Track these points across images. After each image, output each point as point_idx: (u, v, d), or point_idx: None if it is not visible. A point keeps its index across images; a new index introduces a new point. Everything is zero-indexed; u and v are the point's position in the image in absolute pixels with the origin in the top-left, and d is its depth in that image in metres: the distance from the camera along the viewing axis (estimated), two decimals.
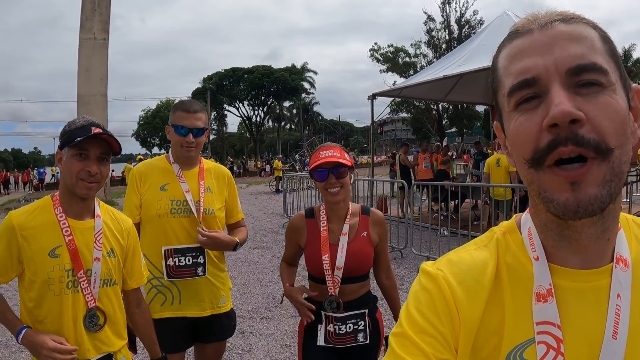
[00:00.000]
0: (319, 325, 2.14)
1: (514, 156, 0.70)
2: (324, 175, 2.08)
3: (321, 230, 2.17)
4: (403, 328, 0.74)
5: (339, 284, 2.10)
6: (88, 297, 1.77)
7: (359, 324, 2.14)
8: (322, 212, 2.20)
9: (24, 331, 1.71)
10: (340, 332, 2.12)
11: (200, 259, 2.37)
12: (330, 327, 2.12)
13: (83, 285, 1.76)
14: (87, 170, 1.72)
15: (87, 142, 1.71)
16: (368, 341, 2.15)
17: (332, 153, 2.11)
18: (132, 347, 2.22)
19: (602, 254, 0.70)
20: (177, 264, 2.34)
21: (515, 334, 0.70)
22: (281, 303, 3.46)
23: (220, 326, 2.52)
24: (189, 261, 2.35)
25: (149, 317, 2.09)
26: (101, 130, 1.74)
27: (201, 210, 2.39)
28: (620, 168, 0.62)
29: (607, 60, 0.64)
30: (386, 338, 2.31)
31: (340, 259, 2.11)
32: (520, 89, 0.65)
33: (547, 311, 0.68)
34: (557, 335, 0.67)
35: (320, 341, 2.13)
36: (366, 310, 2.17)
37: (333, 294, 2.10)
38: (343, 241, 2.14)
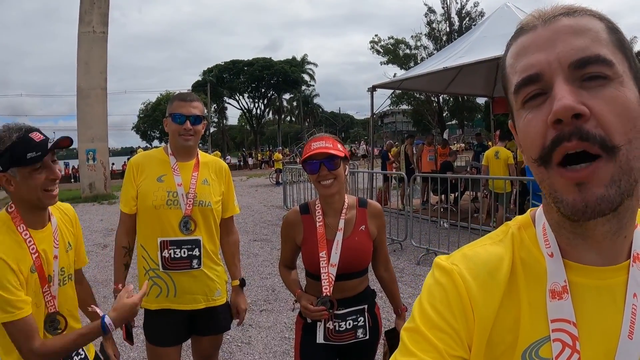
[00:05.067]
0: (318, 323, 2.08)
1: (524, 155, 0.69)
2: (316, 167, 2.00)
3: (317, 225, 2.09)
4: (416, 323, 0.72)
5: (333, 281, 2.03)
6: (49, 303, 1.74)
7: (359, 320, 2.09)
8: (318, 206, 2.12)
9: None
10: (340, 329, 2.07)
11: (196, 252, 2.37)
12: (330, 325, 2.06)
13: (46, 296, 1.73)
14: (51, 178, 1.67)
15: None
16: (368, 337, 2.11)
17: (323, 144, 2.01)
18: (128, 337, 2.23)
19: (618, 251, 0.68)
20: (172, 255, 2.33)
21: (531, 332, 0.69)
22: (292, 310, 3.42)
23: (216, 319, 2.52)
24: (184, 253, 2.35)
25: None
26: (43, 137, 1.66)
27: (190, 202, 2.37)
28: (629, 165, 0.60)
29: (613, 52, 0.62)
30: (386, 333, 2.28)
31: (335, 256, 2.03)
32: (525, 85, 0.65)
33: (563, 308, 0.67)
34: (572, 332, 0.66)
35: (320, 339, 2.07)
36: (365, 306, 2.12)
37: (328, 293, 2.02)
38: (338, 237, 2.06)
